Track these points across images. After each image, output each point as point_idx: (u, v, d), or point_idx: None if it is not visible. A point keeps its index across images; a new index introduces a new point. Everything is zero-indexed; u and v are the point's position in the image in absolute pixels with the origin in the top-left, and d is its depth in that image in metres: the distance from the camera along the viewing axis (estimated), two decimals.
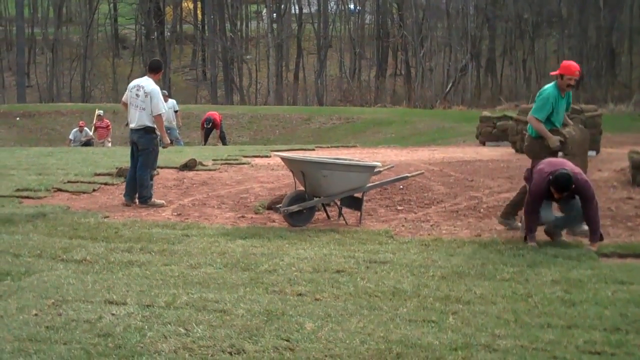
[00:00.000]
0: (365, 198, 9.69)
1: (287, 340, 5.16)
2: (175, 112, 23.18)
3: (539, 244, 8.09)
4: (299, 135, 33.22)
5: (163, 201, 10.83)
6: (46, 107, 42.05)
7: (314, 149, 18.76)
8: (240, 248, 7.87)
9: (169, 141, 10.56)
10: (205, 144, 24.50)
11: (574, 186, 7.95)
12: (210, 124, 24.89)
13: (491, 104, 36.97)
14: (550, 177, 7.94)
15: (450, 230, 9.07)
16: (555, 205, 8.43)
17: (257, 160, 15.36)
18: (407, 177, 10.22)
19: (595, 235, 8.05)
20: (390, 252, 7.74)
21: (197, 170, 13.78)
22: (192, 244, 8.09)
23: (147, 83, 10.85)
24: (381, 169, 10.12)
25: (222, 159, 15.26)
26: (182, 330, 5.31)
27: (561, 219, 8.41)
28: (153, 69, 11.24)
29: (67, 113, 37.87)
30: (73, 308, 5.81)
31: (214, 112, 25.96)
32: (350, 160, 10.28)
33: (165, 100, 23.30)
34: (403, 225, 9.30)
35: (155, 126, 10.78)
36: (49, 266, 7.16)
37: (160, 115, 10.77)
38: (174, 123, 23.22)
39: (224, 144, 24.82)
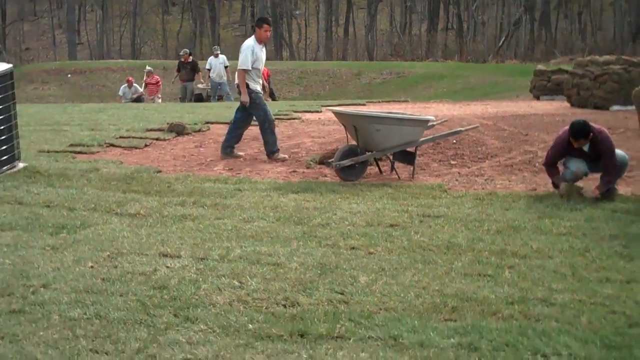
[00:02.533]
0: (417, 152, 9.57)
1: (341, 294, 5.14)
2: (225, 67, 23.28)
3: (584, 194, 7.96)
4: (349, 90, 33.03)
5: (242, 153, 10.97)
6: (97, 64, 42.43)
7: (364, 104, 18.63)
8: (293, 202, 7.85)
9: (247, 99, 10.45)
10: None
11: (592, 135, 7.88)
12: None
13: (545, 57, 36.29)
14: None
15: (504, 184, 8.92)
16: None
17: (308, 116, 15.29)
18: (460, 131, 10.06)
19: (605, 185, 7.95)
20: (444, 206, 7.65)
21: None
22: (245, 198, 8.08)
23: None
24: (434, 123, 9.98)
25: (273, 115, 15.17)
26: (236, 283, 5.31)
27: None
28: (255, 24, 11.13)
29: (118, 70, 38.19)
30: (128, 260, 5.86)
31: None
32: (403, 114, 10.14)
33: (216, 57, 23.66)
34: (457, 180, 9.18)
35: (249, 82, 10.65)
36: (103, 219, 7.22)
37: (240, 70, 10.60)
38: (224, 78, 23.33)
39: (273, 99, 24.73)
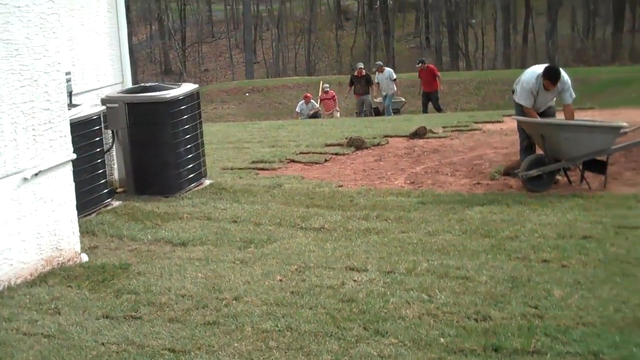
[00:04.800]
0: (609, 161, 9.11)
1: (535, 308, 4.98)
2: (393, 80, 23.59)
3: None
4: None
5: None
6: (273, 81, 43.57)
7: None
8: (479, 214, 7.67)
9: None
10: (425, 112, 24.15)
11: None
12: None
13: None
14: None
15: None
16: None
17: (489, 126, 14.94)
18: None
19: None
20: None
21: (427, 137, 13.63)
22: (428, 211, 7.98)
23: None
24: (627, 130, 9.45)
25: (452, 126, 14.98)
26: (425, 297, 5.23)
27: None
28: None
29: (294, 87, 39.06)
30: (316, 274, 5.90)
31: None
32: (593, 121, 9.68)
33: (381, 71, 23.96)
34: None
35: None
36: (289, 234, 7.33)
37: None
38: (391, 92, 23.68)
39: (440, 111, 24.31)
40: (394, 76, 23.90)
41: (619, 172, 9.66)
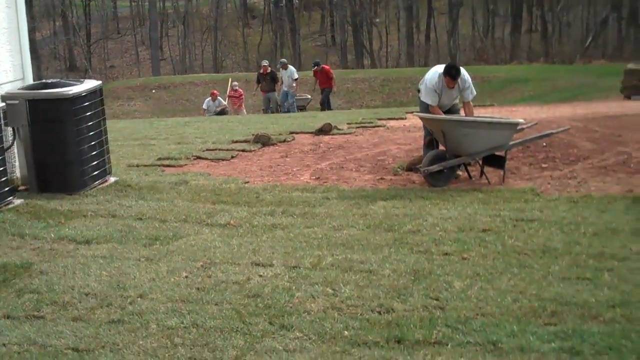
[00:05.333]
0: (508, 156, 9.40)
1: (437, 299, 5.10)
2: (295, 79, 23.88)
3: None
4: None
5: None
6: (180, 78, 43.14)
7: None
8: (382, 209, 7.80)
9: None
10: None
11: None
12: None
13: (635, 56, 35.22)
14: None
15: (599, 186, 8.66)
16: None
17: (392, 123, 15.18)
18: (551, 133, 9.83)
19: None
20: (537, 210, 7.48)
21: (332, 134, 13.77)
22: (333, 207, 8.07)
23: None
24: (524, 126, 9.79)
25: (357, 122, 15.18)
26: (330, 291, 5.31)
27: None
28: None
29: (201, 84, 38.78)
30: (221, 270, 5.91)
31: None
32: (492, 117, 9.96)
33: (285, 68, 24.13)
34: (549, 183, 8.96)
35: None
36: (194, 230, 7.31)
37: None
38: (292, 90, 23.97)
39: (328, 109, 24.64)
40: (296, 76, 24.20)
41: (517, 166, 9.98)
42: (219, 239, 6.92)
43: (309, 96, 26.29)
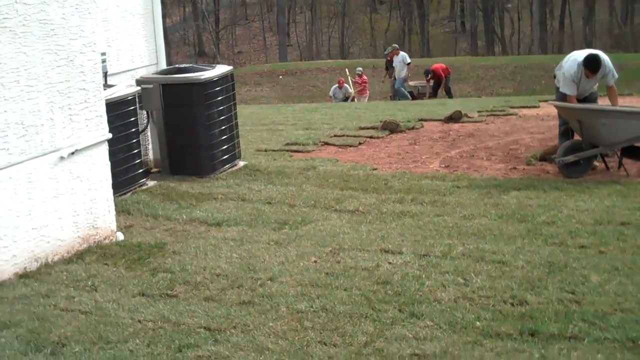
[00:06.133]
0: None
1: (572, 293, 4.94)
2: (408, 64, 23.48)
3: None
4: None
5: None
6: (307, 64, 43.53)
7: None
8: (515, 199, 7.60)
9: None
10: (430, 97, 23.91)
11: None
12: (429, 75, 24.45)
13: None
14: None
15: None
16: None
17: (525, 111, 14.79)
18: None
19: None
20: None
21: (462, 122, 13.53)
22: (464, 195, 7.93)
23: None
24: None
25: (487, 110, 14.86)
26: (461, 280, 5.21)
27: None
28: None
29: (327, 70, 39.00)
30: (350, 256, 5.89)
31: (438, 65, 25.30)
32: (631, 107, 9.54)
33: (396, 54, 23.81)
34: None
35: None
36: (323, 216, 7.32)
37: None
38: (402, 76, 23.56)
39: (450, 97, 24.18)
40: (408, 60, 23.80)
41: None
42: (348, 225, 6.91)
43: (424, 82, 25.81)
